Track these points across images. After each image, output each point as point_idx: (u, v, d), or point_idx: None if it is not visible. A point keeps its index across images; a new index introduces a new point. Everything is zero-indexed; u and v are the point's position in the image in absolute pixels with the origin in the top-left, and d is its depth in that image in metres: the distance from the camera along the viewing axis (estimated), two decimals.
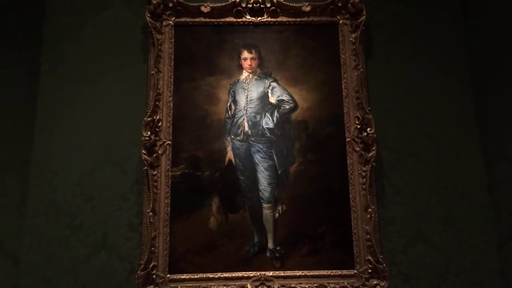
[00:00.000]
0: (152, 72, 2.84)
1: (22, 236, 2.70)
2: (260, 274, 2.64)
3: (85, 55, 2.96)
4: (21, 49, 2.90)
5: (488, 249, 2.72)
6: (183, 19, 2.95)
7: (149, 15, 2.90)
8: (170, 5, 2.93)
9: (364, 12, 2.94)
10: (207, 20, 2.96)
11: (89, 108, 2.89)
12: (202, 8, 2.95)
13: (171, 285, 2.62)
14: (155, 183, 2.72)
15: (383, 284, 2.62)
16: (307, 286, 2.64)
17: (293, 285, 2.64)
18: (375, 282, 2.63)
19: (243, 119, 2.84)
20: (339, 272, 2.67)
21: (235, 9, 2.97)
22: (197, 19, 2.96)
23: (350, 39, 2.94)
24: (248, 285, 2.62)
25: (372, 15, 3.02)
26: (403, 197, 2.81)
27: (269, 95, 2.88)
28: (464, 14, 3.08)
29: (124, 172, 2.80)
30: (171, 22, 2.94)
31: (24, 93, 2.87)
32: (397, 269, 2.70)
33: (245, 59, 2.93)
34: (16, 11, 2.93)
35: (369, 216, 2.71)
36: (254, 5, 2.96)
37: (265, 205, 2.76)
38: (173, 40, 2.92)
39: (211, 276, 2.64)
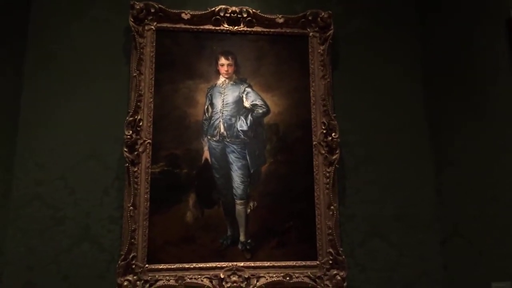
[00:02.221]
0: (134, 74, 2.95)
1: (6, 227, 2.77)
2: (232, 265, 2.81)
3: (69, 55, 3.02)
4: (6, 48, 2.93)
5: (434, 244, 3.01)
6: (164, 25, 3.06)
7: (132, 20, 3.00)
8: (152, 10, 3.03)
9: (332, 27, 3.14)
10: (187, 26, 3.08)
11: (73, 106, 2.96)
12: (183, 15, 3.07)
13: (150, 275, 2.77)
14: (135, 179, 2.84)
15: (342, 274, 2.86)
16: (274, 275, 2.83)
17: (262, 275, 2.83)
18: (335, 272, 2.86)
19: (219, 121, 3.00)
20: (304, 263, 2.87)
21: (213, 18, 3.10)
22: (177, 25, 3.08)
23: (319, 50, 3.14)
24: (221, 275, 2.79)
25: (339, 29, 3.21)
26: (362, 196, 3.05)
27: (244, 99, 3.05)
28: (420, 31, 3.32)
29: (106, 168, 2.91)
30: (153, 27, 3.04)
31: (9, 90, 2.91)
32: (354, 261, 2.95)
33: (222, 65, 3.08)
34: (0, 12, 2.96)
35: (331, 213, 2.93)
36: (232, 14, 3.10)
37: (238, 201, 2.93)
38: (154, 44, 3.03)
39: (187, 266, 2.80)
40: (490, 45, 2.76)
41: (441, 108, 3.13)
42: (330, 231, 2.92)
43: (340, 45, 3.24)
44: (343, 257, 2.89)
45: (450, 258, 2.97)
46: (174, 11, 3.08)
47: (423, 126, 3.20)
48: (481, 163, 2.80)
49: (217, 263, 2.83)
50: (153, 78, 3.00)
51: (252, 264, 2.85)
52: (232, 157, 2.98)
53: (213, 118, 3.01)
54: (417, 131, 3.19)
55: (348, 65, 3.23)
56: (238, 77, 3.09)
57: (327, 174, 2.99)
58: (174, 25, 3.09)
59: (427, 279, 2.97)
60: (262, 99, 3.07)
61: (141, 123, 2.93)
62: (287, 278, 2.85)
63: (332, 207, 2.94)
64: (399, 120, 3.19)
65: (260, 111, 3.05)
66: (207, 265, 2.82)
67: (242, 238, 2.90)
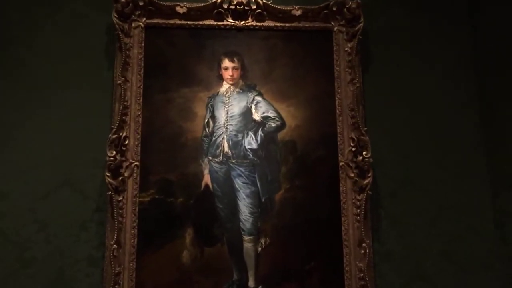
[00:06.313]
0: (119, 81, 2.70)
1: None
2: None
3: (41, 60, 2.80)
4: None
5: None
6: (155, 21, 2.83)
7: (116, 15, 2.74)
8: (141, 4, 2.78)
9: (362, 19, 2.85)
10: (183, 22, 2.84)
11: (45, 122, 2.73)
12: (178, 9, 2.81)
13: None
14: (120, 211, 2.59)
15: None
16: None
17: None
18: None
19: (223, 138, 2.75)
20: None
21: (215, 11, 2.84)
22: (171, 21, 2.83)
23: (346, 48, 2.84)
24: None
25: (371, 22, 2.93)
26: (401, 230, 2.75)
27: (253, 111, 2.80)
28: (471, 23, 3.01)
29: (84, 197, 2.65)
30: (141, 23, 2.79)
31: None
32: None
33: (226, 68, 2.82)
34: None
35: (363, 251, 2.63)
36: (238, 7, 2.84)
37: (246, 238, 2.67)
38: (143, 45, 2.80)
39: None
40: None
41: (501, 118, 2.80)
42: (362, 274, 2.60)
43: (372, 42, 2.96)
44: None
45: None
46: (167, 4, 2.83)
47: (477, 140, 2.88)
48: None
49: None
50: (141, 86, 2.76)
51: None
52: (238, 183, 2.72)
53: (215, 135, 2.75)
54: (470, 147, 2.88)
55: (382, 67, 2.95)
56: (245, 83, 2.84)
57: (357, 203, 2.69)
58: (167, 21, 2.84)
59: None
60: (275, 110, 2.80)
61: (126, 142, 2.67)
62: None
63: (364, 244, 2.64)
64: (448, 133, 2.88)
65: (273, 124, 2.78)
66: None
67: (251, 283, 2.63)
